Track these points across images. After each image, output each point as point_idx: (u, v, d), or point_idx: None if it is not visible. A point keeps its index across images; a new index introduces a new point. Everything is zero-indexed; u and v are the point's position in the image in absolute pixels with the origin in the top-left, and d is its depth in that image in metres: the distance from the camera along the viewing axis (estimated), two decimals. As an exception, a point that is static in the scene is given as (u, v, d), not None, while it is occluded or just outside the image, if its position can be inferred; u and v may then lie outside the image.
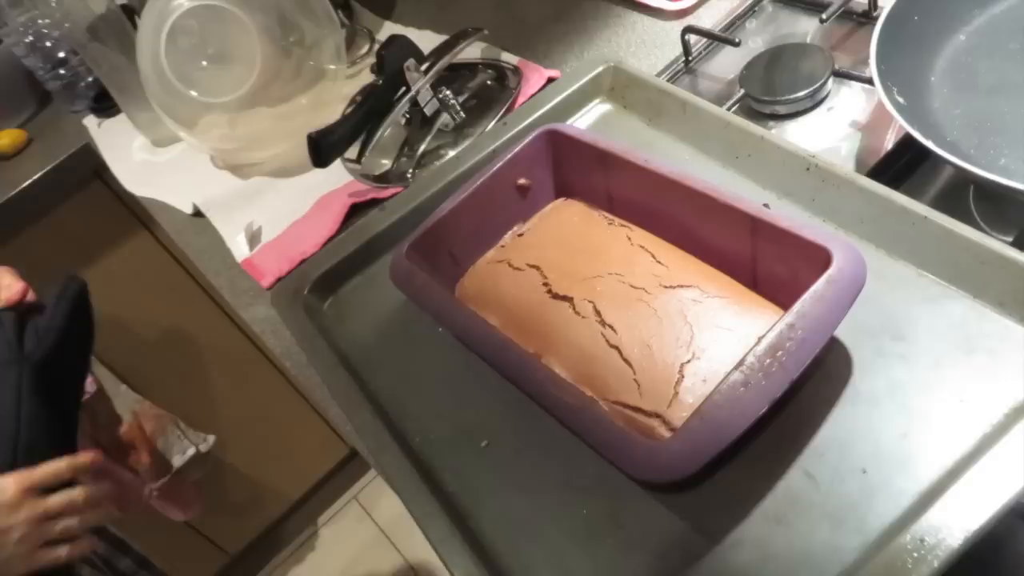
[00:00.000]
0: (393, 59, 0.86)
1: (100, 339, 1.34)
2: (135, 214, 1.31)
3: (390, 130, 0.88)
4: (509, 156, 0.63)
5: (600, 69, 0.73)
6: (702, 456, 0.43)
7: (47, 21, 1.21)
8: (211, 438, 1.48)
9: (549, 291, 0.57)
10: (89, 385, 1.29)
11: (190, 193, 0.99)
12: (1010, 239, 0.54)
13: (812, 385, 0.50)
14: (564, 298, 0.56)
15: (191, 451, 1.44)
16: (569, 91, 0.73)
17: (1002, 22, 0.64)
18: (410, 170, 0.87)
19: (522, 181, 0.64)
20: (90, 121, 1.24)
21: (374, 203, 0.83)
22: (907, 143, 0.64)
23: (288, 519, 1.78)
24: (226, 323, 1.49)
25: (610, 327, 0.53)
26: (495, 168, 0.63)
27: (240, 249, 0.88)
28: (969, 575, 0.43)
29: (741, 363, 0.44)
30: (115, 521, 1.43)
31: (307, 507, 1.80)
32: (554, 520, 0.50)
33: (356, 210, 0.85)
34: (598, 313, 0.54)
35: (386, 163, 0.89)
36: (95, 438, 1.32)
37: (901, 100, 0.59)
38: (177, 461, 1.43)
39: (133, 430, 1.36)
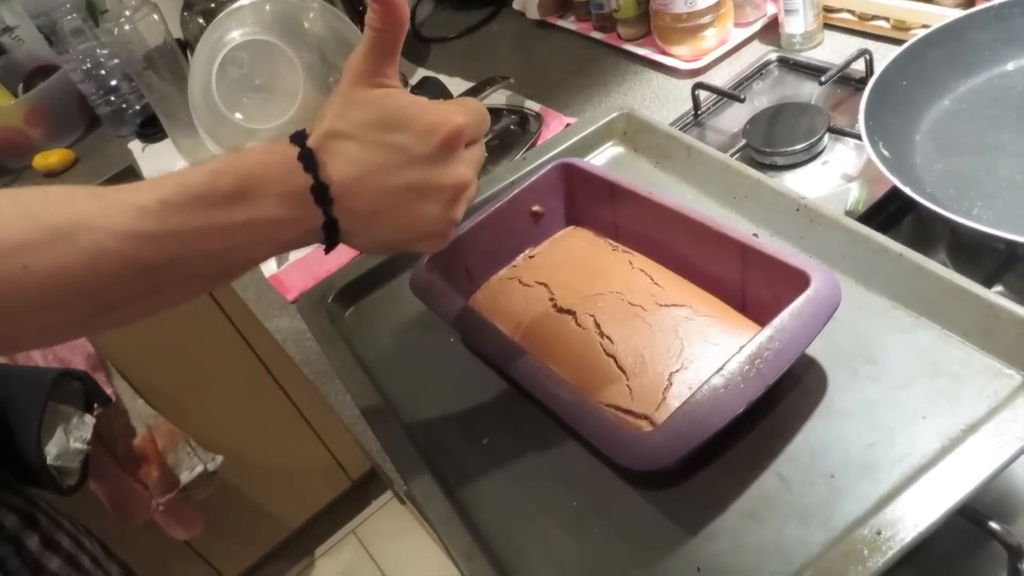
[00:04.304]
0: (424, 98, 0.93)
1: (122, 352, 1.41)
2: (168, 235, 1.38)
3: (417, 164, 0.95)
4: (526, 184, 0.69)
5: (615, 115, 0.79)
6: (683, 447, 0.47)
7: (105, 51, 1.30)
8: (219, 458, 1.52)
9: (554, 305, 0.62)
10: (108, 396, 1.34)
11: (225, 213, 1.05)
12: (977, 283, 0.59)
13: (790, 400, 0.54)
14: (567, 311, 0.61)
15: (199, 469, 1.48)
16: (585, 133, 0.79)
17: (983, 91, 0.70)
18: (433, 202, 0.93)
19: (536, 208, 0.70)
20: (135, 145, 1.32)
21: (397, 229, 0.89)
22: (892, 196, 0.69)
23: (286, 547, 1.80)
24: (243, 348, 1.55)
25: (608, 338, 0.58)
26: (513, 194, 0.69)
27: (268, 265, 0.93)
28: None
29: (723, 368, 0.49)
30: (118, 533, 1.47)
31: (305, 537, 1.82)
32: (546, 510, 0.54)
33: (380, 235, 0.90)
34: (598, 326, 0.59)
35: (411, 195, 0.95)
36: (109, 448, 1.37)
37: (886, 153, 0.64)
38: (185, 478, 1.46)
39: (146, 443, 1.41)
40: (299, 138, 0.44)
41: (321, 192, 0.43)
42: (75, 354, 1.30)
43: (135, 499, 1.40)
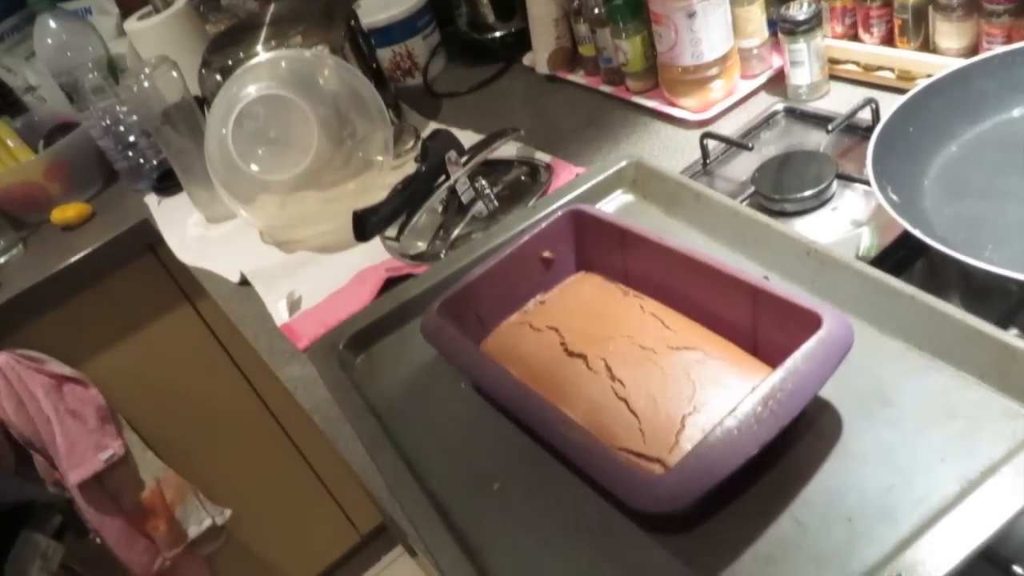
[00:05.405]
0: (436, 149, 0.94)
1: (133, 404, 1.41)
2: (182, 288, 1.39)
3: (427, 215, 0.96)
4: (537, 231, 0.70)
5: (624, 163, 0.80)
6: (696, 489, 0.46)
7: (124, 108, 1.33)
8: (227, 512, 1.51)
9: (565, 349, 0.62)
10: (118, 448, 1.34)
11: (238, 264, 1.06)
12: (991, 325, 0.59)
13: (805, 443, 0.53)
14: (579, 355, 0.61)
15: (207, 523, 1.47)
16: (594, 181, 0.80)
17: (989, 137, 0.71)
18: (443, 252, 0.93)
19: (547, 254, 0.70)
20: (151, 199, 1.34)
21: (408, 278, 0.89)
22: (902, 242, 0.69)
23: (293, 606, 1.77)
24: (255, 401, 1.55)
25: (619, 382, 0.57)
26: (523, 240, 0.69)
27: (280, 315, 0.94)
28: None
29: (736, 410, 0.48)
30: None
31: (314, 595, 1.79)
32: (558, 557, 0.53)
33: (391, 284, 0.91)
34: (609, 369, 0.59)
35: (422, 245, 0.96)
36: (117, 502, 1.36)
37: (895, 198, 0.65)
38: (193, 532, 1.45)
39: (154, 497, 1.40)
40: None
41: None
42: (86, 406, 1.30)
43: (142, 553, 1.39)
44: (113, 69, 1.38)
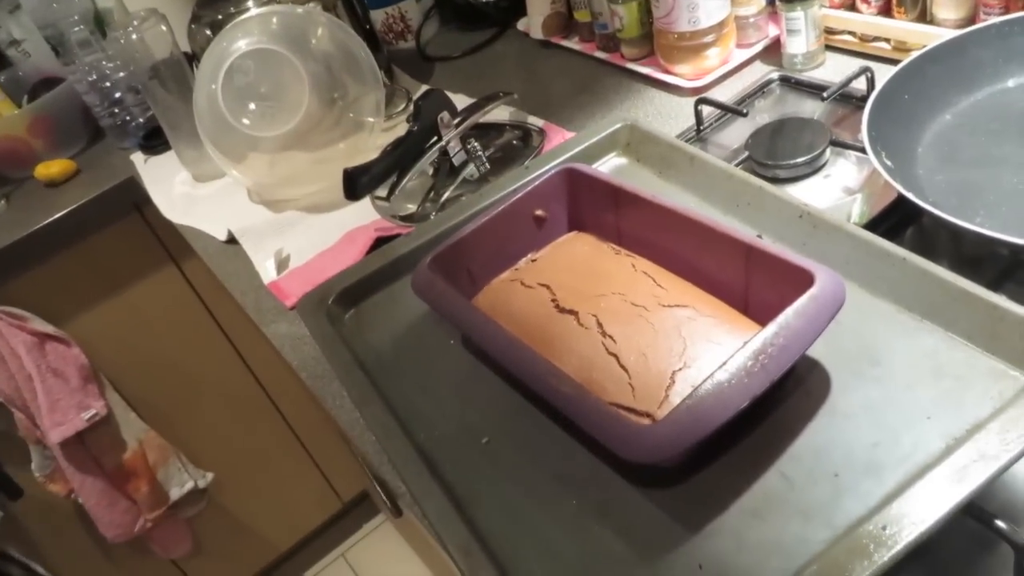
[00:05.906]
0: (429, 110, 0.93)
1: (115, 364, 1.40)
2: (167, 249, 1.38)
3: (418, 177, 0.95)
4: (530, 188, 0.69)
5: (617, 126, 0.80)
6: (686, 440, 0.47)
7: (111, 64, 1.30)
8: (210, 475, 1.51)
9: (556, 306, 0.62)
10: (100, 408, 1.33)
11: (225, 222, 1.05)
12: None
13: (793, 401, 0.54)
14: (570, 312, 0.61)
15: (189, 485, 1.46)
16: (588, 143, 0.80)
17: (984, 107, 0.71)
18: (433, 214, 0.93)
19: (539, 212, 0.70)
20: (137, 157, 1.33)
21: (398, 238, 0.88)
22: (893, 209, 0.70)
23: (275, 570, 1.77)
24: (239, 366, 1.54)
25: (610, 337, 0.57)
26: (516, 198, 0.69)
27: (268, 273, 0.93)
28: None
29: (727, 363, 0.48)
30: (103, 552, 1.45)
31: (295, 560, 1.79)
32: (545, 509, 0.53)
33: (380, 244, 0.90)
34: (600, 325, 0.58)
35: (412, 207, 0.96)
36: (99, 462, 1.35)
37: (889, 163, 0.65)
38: (174, 494, 1.45)
39: (136, 458, 1.39)
40: None
41: None
42: (68, 365, 1.29)
43: (123, 513, 1.38)
44: (100, 23, 1.35)
